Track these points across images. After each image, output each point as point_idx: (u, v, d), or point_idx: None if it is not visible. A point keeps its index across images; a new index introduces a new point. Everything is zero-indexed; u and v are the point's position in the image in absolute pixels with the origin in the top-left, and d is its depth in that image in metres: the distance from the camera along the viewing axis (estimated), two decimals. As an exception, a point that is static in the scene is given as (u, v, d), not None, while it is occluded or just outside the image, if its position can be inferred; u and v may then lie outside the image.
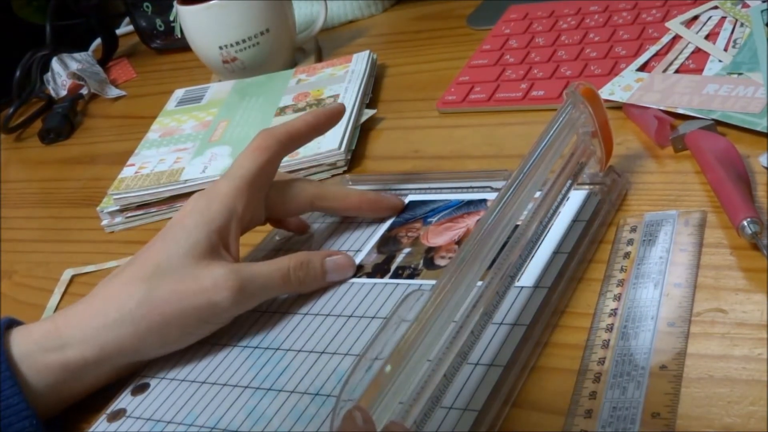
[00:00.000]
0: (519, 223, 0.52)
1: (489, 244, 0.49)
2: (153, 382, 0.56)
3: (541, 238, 0.54)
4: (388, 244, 0.61)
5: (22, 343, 0.54)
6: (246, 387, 0.53)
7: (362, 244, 0.62)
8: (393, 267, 0.59)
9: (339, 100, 0.82)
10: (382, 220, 0.64)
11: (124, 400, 0.56)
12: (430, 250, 0.59)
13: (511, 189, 0.52)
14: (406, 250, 0.60)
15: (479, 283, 0.48)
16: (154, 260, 0.56)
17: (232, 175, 0.59)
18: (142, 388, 0.56)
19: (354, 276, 0.59)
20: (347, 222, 0.65)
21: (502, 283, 0.48)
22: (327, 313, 0.57)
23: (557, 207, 0.55)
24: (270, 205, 0.62)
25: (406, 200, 0.65)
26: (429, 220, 0.62)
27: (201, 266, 0.55)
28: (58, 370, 0.54)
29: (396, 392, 0.41)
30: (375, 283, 0.58)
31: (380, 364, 0.41)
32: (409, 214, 0.64)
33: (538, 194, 0.54)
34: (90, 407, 0.56)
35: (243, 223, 0.59)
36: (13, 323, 0.56)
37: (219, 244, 0.57)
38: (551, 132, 0.55)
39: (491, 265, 0.49)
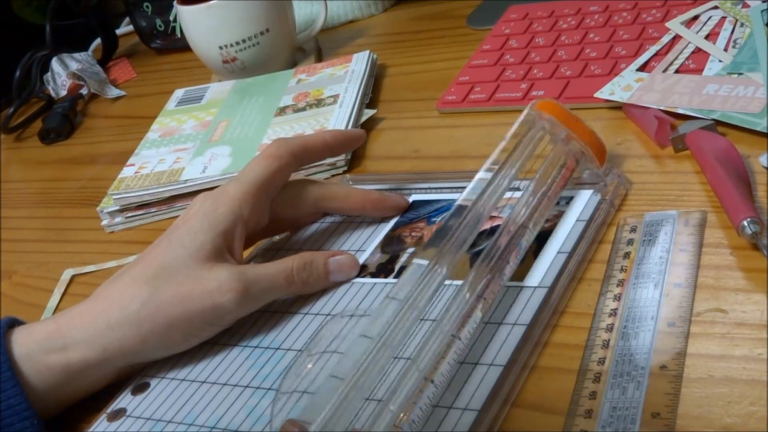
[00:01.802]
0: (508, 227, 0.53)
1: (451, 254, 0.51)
2: (153, 382, 0.56)
3: (523, 248, 0.54)
4: (391, 244, 0.61)
5: (23, 343, 0.54)
6: (246, 387, 0.53)
7: (366, 243, 0.62)
8: (397, 267, 0.59)
9: (339, 100, 0.82)
10: (386, 220, 0.64)
11: (124, 400, 0.56)
12: (434, 250, 0.59)
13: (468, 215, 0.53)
14: (410, 249, 0.60)
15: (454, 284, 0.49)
16: (158, 262, 0.55)
17: (242, 179, 0.59)
18: (143, 388, 0.56)
19: (358, 276, 0.59)
20: (350, 221, 0.65)
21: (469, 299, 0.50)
22: (327, 312, 0.57)
23: (543, 215, 0.55)
24: (274, 206, 0.62)
25: (410, 200, 0.65)
26: (433, 219, 0.62)
27: (205, 269, 0.55)
28: (60, 371, 0.54)
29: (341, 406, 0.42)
30: (375, 283, 0.58)
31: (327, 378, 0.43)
32: (412, 213, 0.64)
33: (535, 198, 0.55)
34: (90, 407, 0.56)
35: (248, 228, 0.59)
36: (14, 323, 0.56)
37: (224, 248, 0.57)
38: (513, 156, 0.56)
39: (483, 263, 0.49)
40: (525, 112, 0.58)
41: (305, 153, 0.63)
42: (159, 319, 0.54)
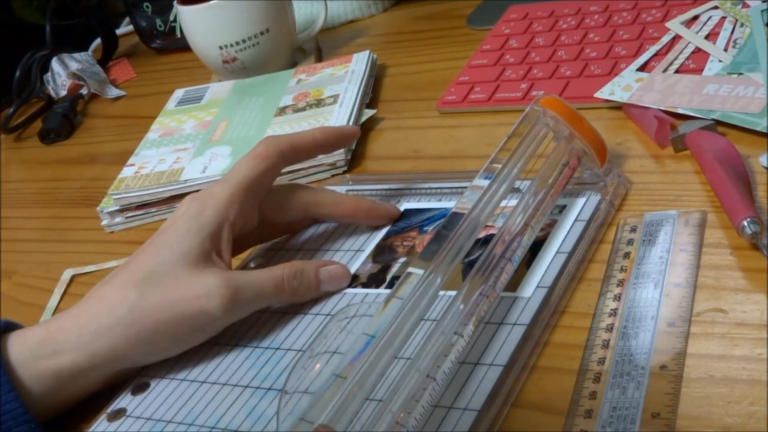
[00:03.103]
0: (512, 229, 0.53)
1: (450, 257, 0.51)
2: (153, 382, 0.56)
3: (523, 246, 0.54)
4: (383, 254, 0.61)
5: (18, 349, 0.54)
6: (246, 387, 0.53)
7: (357, 253, 0.62)
8: (389, 277, 0.58)
9: (339, 100, 0.82)
10: (378, 229, 0.63)
11: (124, 400, 0.56)
12: (426, 260, 0.59)
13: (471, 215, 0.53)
14: (402, 259, 0.60)
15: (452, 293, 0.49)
16: (146, 266, 0.55)
17: (229, 180, 0.59)
18: (142, 388, 0.56)
19: (349, 286, 0.59)
20: (342, 229, 0.65)
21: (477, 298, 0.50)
22: (327, 312, 0.57)
23: (545, 214, 0.55)
24: (264, 210, 0.61)
25: (401, 208, 0.64)
26: (425, 228, 0.62)
27: (194, 273, 0.54)
28: (52, 377, 0.53)
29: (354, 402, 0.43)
30: (367, 293, 0.57)
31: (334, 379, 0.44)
32: (404, 222, 0.63)
33: (533, 200, 0.54)
34: (90, 407, 0.56)
35: (235, 230, 0.58)
36: (9, 326, 0.56)
37: (212, 251, 0.56)
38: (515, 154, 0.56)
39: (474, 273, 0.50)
40: (529, 107, 0.58)
41: (294, 152, 0.62)
42: (147, 323, 0.53)
